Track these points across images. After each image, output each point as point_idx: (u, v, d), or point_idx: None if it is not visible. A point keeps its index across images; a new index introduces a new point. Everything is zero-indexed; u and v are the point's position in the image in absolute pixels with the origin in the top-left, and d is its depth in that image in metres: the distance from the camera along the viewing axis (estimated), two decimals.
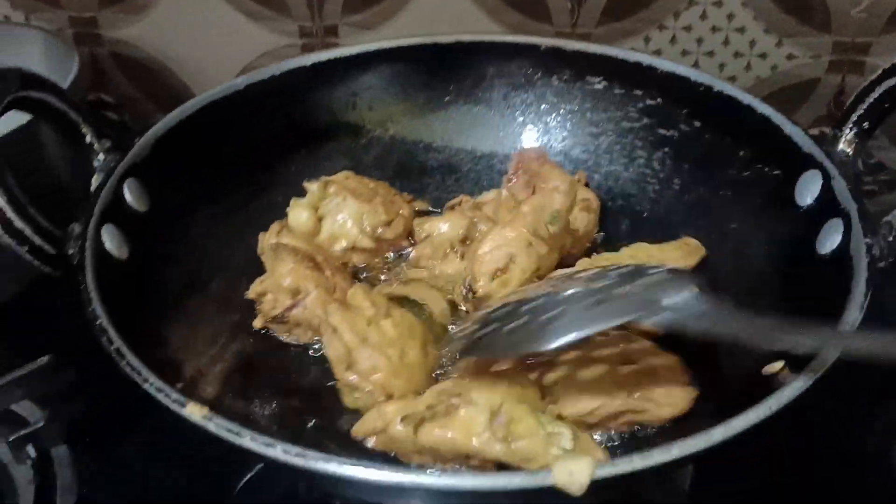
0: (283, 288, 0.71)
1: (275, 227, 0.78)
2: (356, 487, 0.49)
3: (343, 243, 0.78)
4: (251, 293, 0.73)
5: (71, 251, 0.62)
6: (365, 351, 0.65)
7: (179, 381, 0.58)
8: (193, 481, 0.72)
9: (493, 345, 0.61)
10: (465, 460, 0.58)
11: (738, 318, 0.55)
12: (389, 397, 0.64)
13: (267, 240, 0.76)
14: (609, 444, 0.63)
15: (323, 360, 0.70)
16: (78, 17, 1.12)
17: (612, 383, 0.62)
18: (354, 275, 0.79)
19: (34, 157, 0.84)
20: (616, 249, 0.79)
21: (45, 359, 0.74)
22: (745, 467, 0.69)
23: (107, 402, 0.78)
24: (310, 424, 0.65)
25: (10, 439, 0.73)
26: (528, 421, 0.57)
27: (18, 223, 0.59)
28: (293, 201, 0.81)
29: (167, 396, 0.51)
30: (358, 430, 0.62)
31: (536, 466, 0.56)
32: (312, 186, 0.81)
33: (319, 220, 0.80)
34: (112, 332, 0.55)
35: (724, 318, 0.55)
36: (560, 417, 0.62)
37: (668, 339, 0.68)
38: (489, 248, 0.73)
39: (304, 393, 0.68)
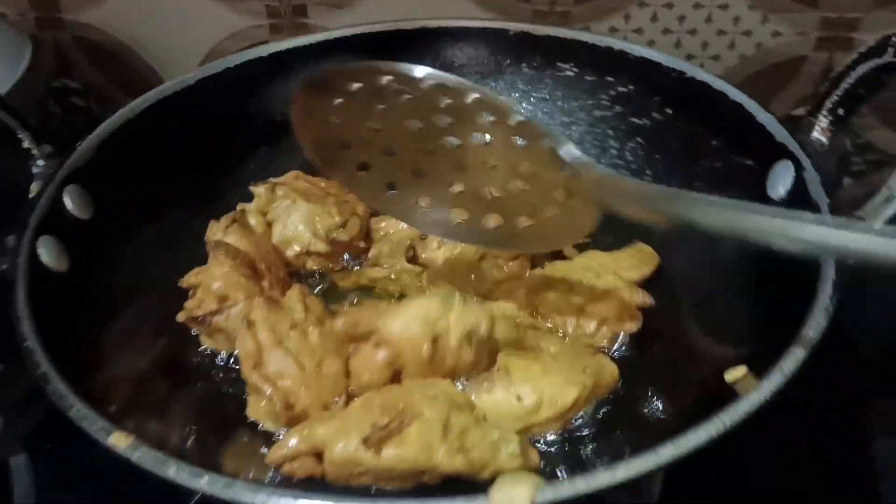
0: (211, 291, 0.68)
1: (225, 219, 0.73)
2: None
3: (296, 248, 0.75)
4: (184, 282, 0.70)
5: (4, 266, 0.59)
6: (276, 353, 0.62)
7: (114, 402, 0.56)
8: (153, 491, 0.70)
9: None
10: (417, 477, 0.56)
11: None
12: (290, 408, 0.60)
13: (213, 232, 0.73)
14: (546, 452, 0.61)
15: None
16: (39, 1, 1.09)
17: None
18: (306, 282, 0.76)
19: None
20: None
21: None
22: (715, 473, 0.67)
23: None
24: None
25: None
26: (476, 430, 0.57)
27: None
28: (241, 206, 0.78)
29: (91, 425, 0.49)
30: (274, 456, 0.57)
31: (489, 473, 0.56)
32: (259, 190, 0.78)
33: (269, 224, 0.76)
34: (39, 355, 0.53)
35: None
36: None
37: None
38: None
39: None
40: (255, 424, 0.63)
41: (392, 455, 0.54)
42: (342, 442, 0.54)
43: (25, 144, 0.67)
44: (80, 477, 0.73)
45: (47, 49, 1.12)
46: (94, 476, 0.73)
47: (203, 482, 0.45)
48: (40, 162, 0.67)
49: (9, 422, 0.74)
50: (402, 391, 0.59)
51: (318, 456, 0.56)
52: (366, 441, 0.54)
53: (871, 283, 0.77)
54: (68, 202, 0.67)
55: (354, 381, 0.63)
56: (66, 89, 1.16)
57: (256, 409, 0.62)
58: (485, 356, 0.63)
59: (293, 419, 0.60)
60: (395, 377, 0.62)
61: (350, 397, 0.63)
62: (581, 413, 0.63)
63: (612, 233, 0.76)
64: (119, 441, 0.48)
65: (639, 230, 0.76)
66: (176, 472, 0.46)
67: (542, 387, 0.61)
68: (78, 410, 0.50)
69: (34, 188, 0.66)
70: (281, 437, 0.60)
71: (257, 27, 1.08)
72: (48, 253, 0.62)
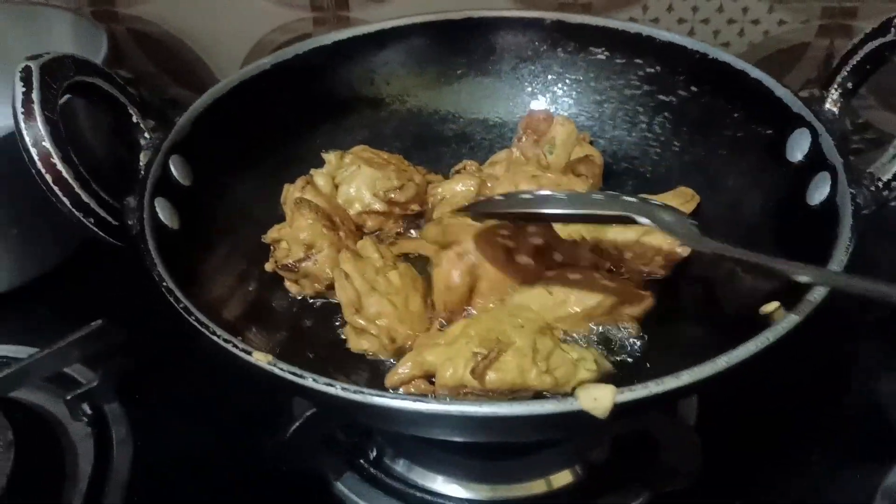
0: (298, 240, 0.77)
1: (300, 181, 0.83)
2: (402, 419, 0.55)
3: (357, 207, 0.84)
4: (267, 238, 0.79)
5: (130, 222, 0.67)
6: (373, 297, 0.71)
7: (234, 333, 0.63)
8: (234, 432, 0.79)
9: (493, 204, 0.69)
10: (513, 394, 0.64)
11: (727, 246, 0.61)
12: (392, 341, 0.71)
13: (291, 192, 0.81)
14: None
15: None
16: None
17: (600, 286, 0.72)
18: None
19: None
20: None
21: (98, 322, 0.80)
22: (745, 403, 0.77)
23: (153, 361, 0.85)
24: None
25: (67, 398, 0.79)
26: (558, 352, 0.65)
27: (84, 197, 0.64)
28: (312, 171, 0.86)
29: (235, 347, 0.56)
30: (392, 380, 0.67)
31: (570, 388, 0.64)
32: (330, 156, 0.87)
33: (336, 187, 0.85)
34: (178, 293, 0.60)
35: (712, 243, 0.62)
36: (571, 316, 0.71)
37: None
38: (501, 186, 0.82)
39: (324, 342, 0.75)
40: (332, 351, 0.73)
41: (494, 379, 0.63)
42: (451, 369, 0.64)
43: (134, 119, 0.74)
44: (173, 422, 0.82)
45: None
46: (185, 421, 0.82)
47: (337, 389, 0.53)
48: (147, 135, 0.75)
49: (104, 373, 0.81)
50: (493, 321, 0.67)
51: (428, 378, 0.65)
52: (473, 371, 0.62)
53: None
54: (173, 170, 0.74)
55: (438, 295, 0.73)
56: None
57: (358, 344, 0.72)
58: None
59: (397, 350, 0.71)
60: (470, 291, 0.72)
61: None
62: (624, 329, 0.73)
63: (662, 188, 0.86)
64: (261, 358, 0.55)
65: (686, 184, 0.86)
66: (312, 381, 0.54)
67: (572, 288, 0.71)
68: (221, 335, 0.57)
69: (143, 157, 0.73)
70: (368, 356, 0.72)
71: (301, 20, 1.15)
72: (163, 212, 0.70)
